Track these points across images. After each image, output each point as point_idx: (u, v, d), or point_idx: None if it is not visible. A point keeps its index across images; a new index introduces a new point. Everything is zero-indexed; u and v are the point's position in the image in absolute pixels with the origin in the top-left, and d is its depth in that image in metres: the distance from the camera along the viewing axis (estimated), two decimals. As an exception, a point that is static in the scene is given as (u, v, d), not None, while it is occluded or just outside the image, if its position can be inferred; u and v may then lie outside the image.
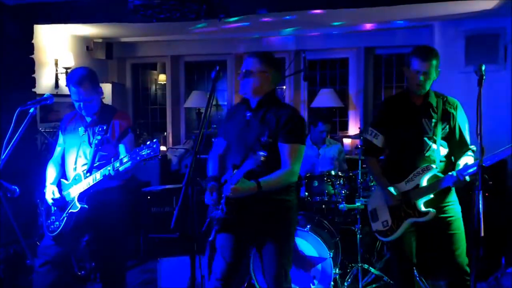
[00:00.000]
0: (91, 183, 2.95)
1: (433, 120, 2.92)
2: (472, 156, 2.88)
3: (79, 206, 2.98)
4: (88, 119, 3.16)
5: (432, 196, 2.87)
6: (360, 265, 3.99)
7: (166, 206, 4.63)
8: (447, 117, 2.93)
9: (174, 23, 4.27)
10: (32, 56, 4.95)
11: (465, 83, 4.93)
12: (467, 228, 2.91)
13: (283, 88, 6.93)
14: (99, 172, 2.92)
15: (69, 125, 3.24)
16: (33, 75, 4.96)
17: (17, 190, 3.11)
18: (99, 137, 3.04)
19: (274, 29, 6.05)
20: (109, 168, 2.87)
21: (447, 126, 2.92)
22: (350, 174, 4.26)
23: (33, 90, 4.94)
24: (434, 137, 2.90)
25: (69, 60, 5.74)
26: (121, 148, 3.07)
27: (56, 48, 5.77)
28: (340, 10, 4.65)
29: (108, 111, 3.20)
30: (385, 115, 3.08)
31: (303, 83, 6.58)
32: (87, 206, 2.99)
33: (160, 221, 4.55)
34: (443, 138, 2.93)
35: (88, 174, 2.98)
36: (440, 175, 2.88)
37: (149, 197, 4.71)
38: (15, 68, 4.70)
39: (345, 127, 6.60)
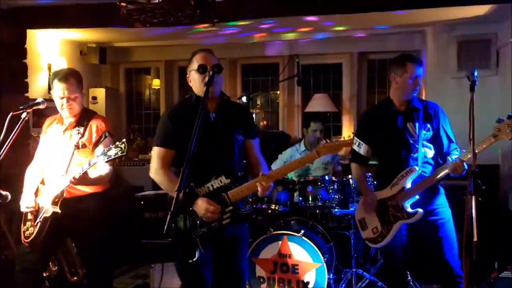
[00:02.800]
0: (64, 187, 2.92)
1: (417, 124, 3.00)
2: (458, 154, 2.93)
3: (51, 210, 2.95)
4: (67, 122, 3.14)
5: (417, 197, 2.94)
6: (354, 270, 3.99)
7: (159, 211, 4.61)
8: (429, 119, 3.01)
9: (168, 28, 4.28)
10: (25, 60, 4.93)
11: (457, 88, 4.97)
12: (460, 231, 2.92)
13: (277, 93, 6.93)
14: (69, 175, 2.89)
15: (49, 129, 3.22)
16: (25, 80, 4.93)
17: (9, 195, 3.09)
18: (75, 140, 3.02)
19: (268, 34, 6.06)
20: (79, 170, 2.86)
21: (431, 128, 3.01)
22: (344, 179, 4.26)
23: (26, 94, 4.92)
24: (419, 140, 2.97)
25: (62, 64, 5.73)
26: (98, 152, 3.02)
27: (49, 53, 5.74)
28: (332, 16, 4.68)
29: (87, 115, 3.19)
30: (368, 125, 3.20)
31: (296, 88, 6.58)
32: (59, 211, 2.94)
33: (153, 226, 4.52)
34: (429, 141, 3.01)
35: (63, 177, 2.94)
36: (425, 175, 2.96)
37: (142, 203, 4.68)
38: (7, 73, 4.68)
39: (339, 131, 6.61)
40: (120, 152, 2.71)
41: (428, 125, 3.01)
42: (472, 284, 2.22)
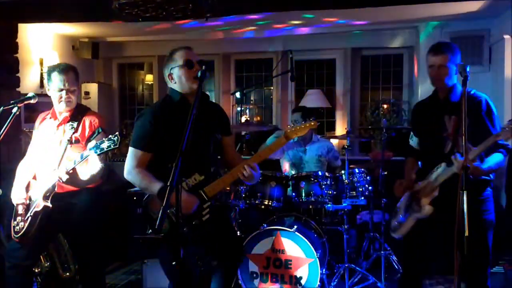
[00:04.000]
0: (55, 181, 2.91)
1: (453, 116, 2.82)
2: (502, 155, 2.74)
3: (42, 204, 2.94)
4: (61, 116, 3.13)
5: (435, 194, 2.80)
6: (347, 265, 4.00)
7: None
8: (471, 113, 2.63)
9: (161, 22, 4.25)
10: (16, 55, 4.88)
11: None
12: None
13: (270, 89, 6.93)
14: (61, 169, 2.88)
15: (42, 124, 3.21)
16: (17, 75, 4.89)
17: (0, 191, 3.07)
18: (69, 135, 3.01)
19: (261, 29, 6.05)
20: (69, 164, 2.85)
21: (471, 123, 2.65)
22: (337, 174, 4.27)
23: (17, 89, 4.88)
24: (453, 134, 2.80)
25: (54, 59, 5.68)
26: (90, 145, 2.98)
27: (41, 47, 5.69)
28: (326, 11, 4.67)
29: (81, 110, 3.19)
30: (416, 115, 3.14)
31: (290, 83, 6.58)
32: (50, 205, 2.93)
33: (145, 222, 4.50)
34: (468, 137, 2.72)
35: (54, 171, 2.93)
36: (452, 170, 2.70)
37: (135, 198, 4.66)
38: (-2, 67, 4.64)
39: (332, 127, 6.61)
40: (113, 144, 2.69)
41: (468, 119, 2.60)
42: (463, 279, 2.22)
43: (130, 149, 2.75)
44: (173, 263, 2.44)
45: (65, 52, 6.12)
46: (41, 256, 3.92)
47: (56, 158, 2.99)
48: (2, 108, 3.00)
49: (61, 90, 3.05)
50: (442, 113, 2.89)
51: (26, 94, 3.22)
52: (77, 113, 3.15)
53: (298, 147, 4.71)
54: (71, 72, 3.10)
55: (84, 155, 2.80)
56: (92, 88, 6.42)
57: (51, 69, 3.10)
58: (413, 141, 3.13)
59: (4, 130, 2.97)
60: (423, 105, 3.12)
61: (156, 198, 2.62)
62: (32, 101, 3.13)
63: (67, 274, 4.03)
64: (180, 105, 2.72)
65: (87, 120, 3.12)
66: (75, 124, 3.07)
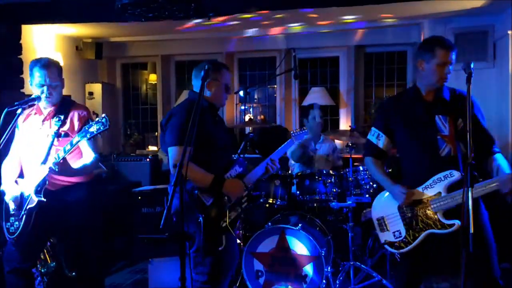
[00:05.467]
0: (45, 174, 2.83)
1: (447, 117, 2.65)
2: (502, 158, 2.61)
3: (36, 199, 2.86)
4: (46, 111, 3.08)
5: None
6: (352, 263, 3.99)
7: (157, 206, 4.60)
8: (462, 112, 2.55)
9: (164, 22, 4.24)
10: (20, 56, 4.89)
11: (454, 80, 4.92)
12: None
13: (274, 87, 6.92)
14: (50, 161, 2.81)
15: (26, 121, 3.12)
16: (21, 76, 4.90)
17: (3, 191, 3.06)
18: (56, 128, 2.95)
19: (264, 27, 6.04)
20: (59, 153, 2.77)
21: (463, 123, 2.62)
22: (341, 172, 4.26)
23: (21, 90, 4.89)
24: (451, 136, 2.62)
25: (58, 60, 5.67)
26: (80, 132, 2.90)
27: (45, 48, 5.70)
28: (329, 8, 4.66)
29: (66, 103, 3.12)
30: (390, 114, 2.82)
31: (294, 81, 6.57)
32: (44, 199, 2.86)
33: (151, 221, 4.52)
34: (460, 138, 2.60)
35: (43, 165, 2.86)
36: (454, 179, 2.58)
37: (139, 198, 4.68)
38: (3, 69, 4.65)
39: (336, 125, 6.60)
40: (102, 126, 2.60)
41: (460, 119, 2.62)
42: (469, 277, 2.19)
43: (173, 149, 2.74)
44: (219, 248, 2.70)
45: (68, 53, 6.14)
46: (46, 256, 3.93)
47: (43, 153, 2.91)
48: (6, 109, 2.98)
49: (42, 85, 2.98)
50: (433, 112, 2.67)
51: (30, 95, 3.21)
52: (63, 107, 3.07)
53: (309, 146, 4.70)
54: (52, 67, 3.02)
55: (74, 142, 2.73)
56: (96, 88, 6.45)
57: (32, 65, 3.03)
58: (381, 141, 2.82)
59: (8, 132, 2.96)
60: (402, 103, 2.80)
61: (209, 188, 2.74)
62: (36, 103, 3.11)
63: (73, 273, 4.03)
64: (207, 109, 2.90)
65: (75, 114, 3.04)
66: (62, 117, 3.00)
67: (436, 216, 2.62)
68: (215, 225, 2.70)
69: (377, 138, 2.84)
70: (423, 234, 2.65)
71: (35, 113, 3.12)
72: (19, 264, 3.02)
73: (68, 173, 2.95)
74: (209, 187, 2.72)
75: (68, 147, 2.76)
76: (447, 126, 2.65)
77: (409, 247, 2.68)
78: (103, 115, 2.63)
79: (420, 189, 2.68)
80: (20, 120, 3.13)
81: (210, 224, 2.68)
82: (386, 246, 2.79)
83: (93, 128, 2.63)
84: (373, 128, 2.88)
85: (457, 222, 2.53)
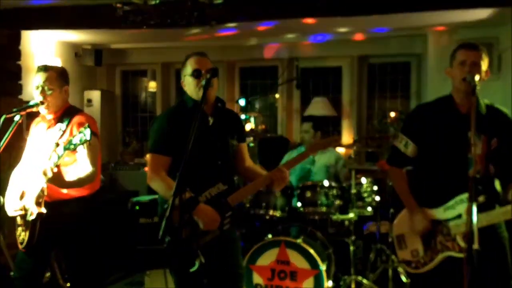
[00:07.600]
0: (42, 185, 2.78)
1: (481, 135, 2.45)
2: None
3: (36, 211, 2.82)
4: (47, 119, 3.03)
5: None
6: (353, 277, 3.92)
7: (155, 216, 4.53)
8: (498, 130, 2.45)
9: (165, 30, 4.21)
10: (19, 62, 4.85)
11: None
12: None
13: (276, 97, 6.87)
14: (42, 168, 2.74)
15: (35, 128, 3.12)
16: (19, 82, 4.86)
17: (2, 199, 3.01)
18: (57, 137, 2.88)
19: (267, 36, 6.00)
20: (49, 165, 2.69)
21: (502, 142, 2.47)
22: (343, 185, 4.19)
23: (19, 97, 4.84)
24: (482, 155, 2.46)
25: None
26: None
27: (44, 55, 5.65)
28: (332, 18, 4.62)
29: (70, 111, 3.05)
30: (420, 121, 2.65)
31: (295, 91, 6.53)
32: (45, 211, 2.81)
33: (148, 232, 4.45)
34: (492, 157, 2.47)
35: (40, 176, 2.79)
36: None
37: (137, 208, 4.61)
38: (1, 75, 4.61)
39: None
40: (83, 137, 2.51)
41: (495, 138, 2.47)
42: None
43: (149, 156, 2.65)
44: (190, 270, 2.42)
45: (67, 59, 6.09)
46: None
47: (45, 162, 2.82)
48: (4, 116, 2.93)
49: (37, 88, 2.95)
50: (466, 127, 2.30)
51: (29, 101, 3.15)
52: (65, 115, 3.00)
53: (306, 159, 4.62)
54: (51, 71, 2.98)
55: (58, 152, 2.64)
56: (95, 95, 6.39)
57: (36, 70, 3.02)
58: (409, 149, 2.65)
59: (6, 139, 2.91)
60: (433, 112, 2.65)
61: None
62: (34, 109, 3.05)
63: (68, 284, 3.95)
64: (193, 112, 2.53)
65: (76, 123, 2.96)
66: (63, 126, 2.93)
67: (456, 239, 2.51)
68: (185, 245, 2.47)
69: (405, 146, 2.66)
70: (440, 256, 2.55)
71: (41, 120, 3.10)
72: (29, 273, 3.00)
73: (61, 184, 2.88)
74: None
75: (54, 157, 2.67)
76: (479, 145, 2.45)
77: (425, 267, 2.59)
78: (86, 124, 2.56)
79: (442, 208, 2.56)
80: (31, 127, 3.12)
81: (180, 244, 2.44)
82: (404, 263, 2.71)
83: (76, 139, 2.55)
84: (400, 134, 2.71)
85: (475, 247, 2.32)
